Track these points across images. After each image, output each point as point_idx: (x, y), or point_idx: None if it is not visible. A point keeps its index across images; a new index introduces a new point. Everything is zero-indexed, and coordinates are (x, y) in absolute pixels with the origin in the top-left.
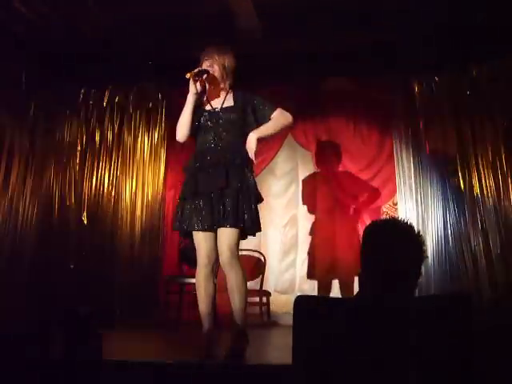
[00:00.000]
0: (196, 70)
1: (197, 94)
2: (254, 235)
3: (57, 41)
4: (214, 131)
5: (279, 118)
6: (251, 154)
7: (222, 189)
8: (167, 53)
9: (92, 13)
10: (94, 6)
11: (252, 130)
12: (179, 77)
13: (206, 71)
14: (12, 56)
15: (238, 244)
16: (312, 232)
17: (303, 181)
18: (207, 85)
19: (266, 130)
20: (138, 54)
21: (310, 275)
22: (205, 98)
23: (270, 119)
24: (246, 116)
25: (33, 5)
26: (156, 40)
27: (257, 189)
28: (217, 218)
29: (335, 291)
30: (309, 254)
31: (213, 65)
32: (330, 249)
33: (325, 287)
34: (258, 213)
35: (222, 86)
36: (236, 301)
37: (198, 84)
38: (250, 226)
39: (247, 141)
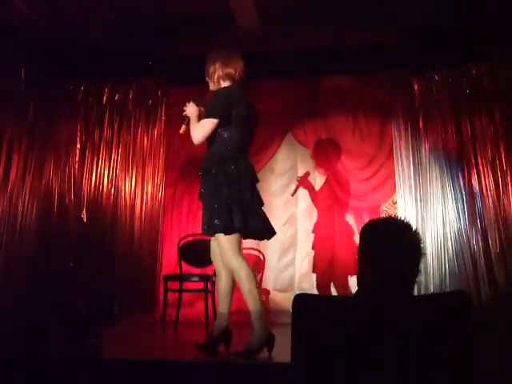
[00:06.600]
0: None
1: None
2: (248, 237)
3: (57, 39)
4: None
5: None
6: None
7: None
8: (167, 51)
9: (92, 11)
10: (94, 5)
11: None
12: (178, 75)
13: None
14: (12, 55)
15: (230, 247)
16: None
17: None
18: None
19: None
20: (138, 52)
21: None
22: None
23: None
24: None
25: (33, 4)
26: (156, 38)
27: (224, 191)
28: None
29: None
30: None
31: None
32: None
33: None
34: (227, 213)
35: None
36: (247, 300)
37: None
38: (222, 228)
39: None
